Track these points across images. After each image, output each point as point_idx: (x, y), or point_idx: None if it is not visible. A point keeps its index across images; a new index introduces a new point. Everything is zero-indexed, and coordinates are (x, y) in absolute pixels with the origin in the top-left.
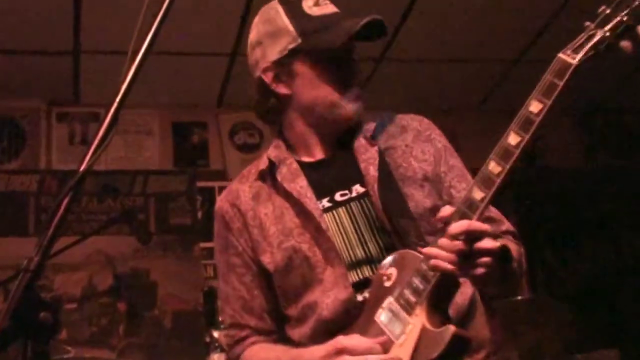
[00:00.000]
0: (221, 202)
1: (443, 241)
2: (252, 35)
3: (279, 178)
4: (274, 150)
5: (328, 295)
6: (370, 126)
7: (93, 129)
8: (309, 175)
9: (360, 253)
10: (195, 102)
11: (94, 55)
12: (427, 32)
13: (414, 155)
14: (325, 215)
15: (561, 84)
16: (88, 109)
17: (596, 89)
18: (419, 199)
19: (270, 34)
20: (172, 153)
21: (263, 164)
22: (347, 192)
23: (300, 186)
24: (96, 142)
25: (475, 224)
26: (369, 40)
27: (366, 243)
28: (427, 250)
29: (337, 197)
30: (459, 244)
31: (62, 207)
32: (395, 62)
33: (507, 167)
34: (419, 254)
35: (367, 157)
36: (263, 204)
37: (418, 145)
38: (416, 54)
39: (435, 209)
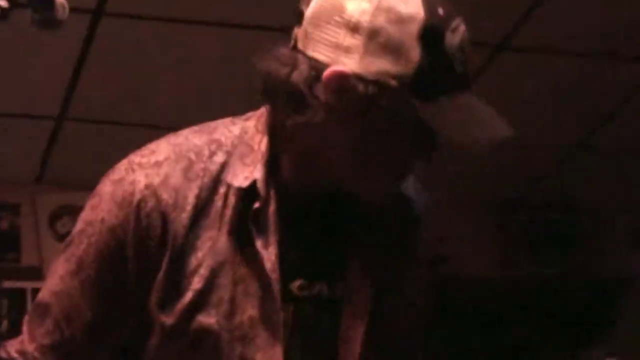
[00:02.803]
0: (147, 188)
1: None
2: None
3: (248, 224)
4: (262, 163)
5: None
6: None
7: None
8: (287, 235)
9: None
10: (4, 177)
11: None
12: None
13: None
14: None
15: None
16: None
17: (517, 180)
18: None
19: (385, 41)
20: None
21: (234, 174)
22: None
23: (269, 259)
24: None
25: None
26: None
27: None
28: None
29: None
30: None
31: None
32: None
33: None
34: None
35: None
36: (206, 227)
37: None
38: None
39: None
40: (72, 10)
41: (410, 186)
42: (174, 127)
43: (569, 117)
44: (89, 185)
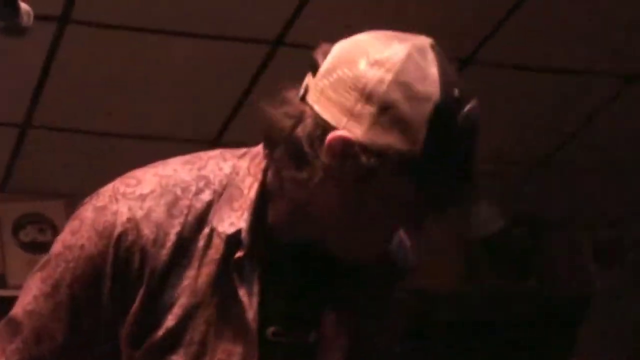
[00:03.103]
0: (129, 221)
1: None
2: (386, 80)
3: (230, 270)
4: (249, 211)
5: None
6: None
7: None
8: (268, 283)
9: None
10: None
11: None
12: None
13: None
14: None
15: None
16: None
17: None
18: None
19: (396, 117)
20: None
21: (220, 218)
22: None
23: (251, 308)
24: None
25: None
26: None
27: None
28: None
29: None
30: None
31: None
32: None
33: None
34: None
35: None
36: (185, 266)
37: None
38: None
39: None
40: (38, 17)
41: (394, 245)
42: (139, 136)
43: (533, 132)
44: (54, 194)
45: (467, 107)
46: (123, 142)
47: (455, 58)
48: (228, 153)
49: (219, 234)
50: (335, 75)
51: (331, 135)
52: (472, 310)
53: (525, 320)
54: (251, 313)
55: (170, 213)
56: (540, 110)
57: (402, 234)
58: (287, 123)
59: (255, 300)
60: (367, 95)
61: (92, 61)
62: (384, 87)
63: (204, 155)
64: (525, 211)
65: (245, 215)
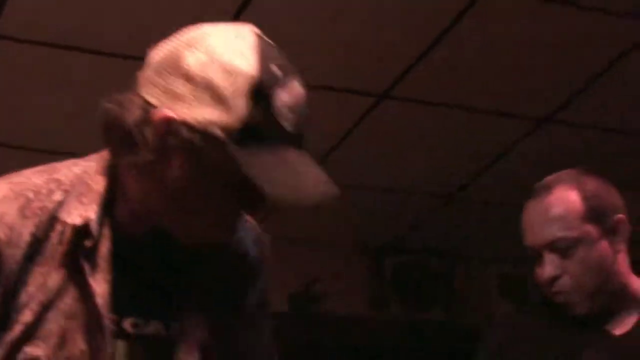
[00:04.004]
0: None
1: None
2: (197, 57)
3: (81, 261)
4: (97, 203)
5: None
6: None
7: None
8: (121, 273)
9: None
10: None
11: None
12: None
13: None
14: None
15: None
16: None
17: (392, 224)
18: None
19: (214, 92)
20: None
21: (69, 212)
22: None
23: (100, 295)
24: None
25: None
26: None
27: None
28: None
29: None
30: None
31: None
32: None
33: None
34: None
35: None
36: (40, 263)
37: None
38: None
39: None
40: None
41: (247, 234)
42: (49, 150)
43: (445, 167)
44: None
45: (287, 81)
46: (33, 156)
47: (372, 92)
48: (79, 159)
49: (69, 227)
50: (161, 65)
51: (154, 115)
52: (376, 336)
53: (429, 349)
54: (100, 300)
55: (23, 215)
56: (452, 146)
57: (256, 231)
58: (117, 112)
59: (104, 287)
60: (187, 76)
61: (15, 76)
62: (201, 66)
63: (58, 164)
64: (434, 243)
65: (94, 206)
